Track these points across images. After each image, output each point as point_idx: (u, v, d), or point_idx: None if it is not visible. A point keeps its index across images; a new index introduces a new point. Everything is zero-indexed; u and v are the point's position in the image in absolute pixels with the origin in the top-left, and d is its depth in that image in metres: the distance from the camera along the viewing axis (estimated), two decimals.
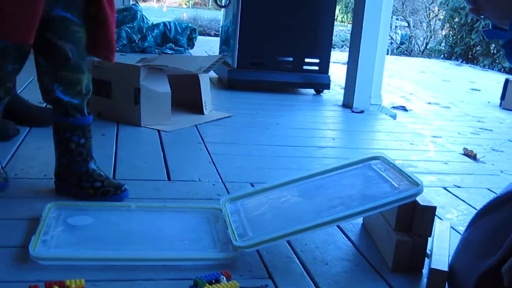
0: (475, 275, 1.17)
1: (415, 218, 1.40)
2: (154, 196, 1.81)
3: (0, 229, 1.47)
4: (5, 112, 2.41)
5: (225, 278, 1.22)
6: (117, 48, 5.55)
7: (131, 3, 7.59)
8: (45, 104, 2.88)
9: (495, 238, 1.17)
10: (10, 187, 1.78)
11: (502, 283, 1.09)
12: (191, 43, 6.10)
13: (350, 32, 3.87)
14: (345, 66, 3.78)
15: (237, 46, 3.93)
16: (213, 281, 1.21)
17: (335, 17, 4.48)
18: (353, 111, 3.54)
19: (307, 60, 4.04)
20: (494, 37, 1.29)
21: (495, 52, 9.96)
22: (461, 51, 10.60)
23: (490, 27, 1.29)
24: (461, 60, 10.37)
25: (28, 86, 3.41)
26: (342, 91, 3.87)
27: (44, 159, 2.09)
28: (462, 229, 1.68)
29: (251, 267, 1.38)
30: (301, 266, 1.41)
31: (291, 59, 4.02)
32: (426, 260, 1.43)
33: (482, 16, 1.25)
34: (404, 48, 11.67)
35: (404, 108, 4.92)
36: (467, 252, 1.26)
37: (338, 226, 1.66)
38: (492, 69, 9.59)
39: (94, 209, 1.61)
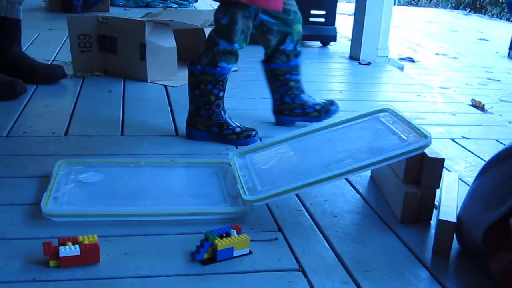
0: (483, 226, 1.18)
1: (424, 170, 1.41)
2: (163, 152, 1.81)
3: (11, 187, 1.49)
4: (12, 71, 2.42)
5: (235, 232, 1.24)
6: (121, 3, 5.51)
7: None
8: (50, 61, 2.88)
9: (503, 189, 1.18)
10: (20, 145, 1.80)
11: (510, 233, 1.10)
12: None
13: None
14: (352, 18, 3.74)
15: None
16: (224, 234, 1.23)
17: None
18: (360, 63, 3.51)
19: (313, 12, 3.99)
20: None
21: (503, 1, 9.81)
22: (469, 0, 10.45)
23: None
24: (469, 10, 10.23)
25: (33, 42, 3.40)
26: (349, 43, 3.84)
27: (52, 116, 2.10)
28: (470, 180, 1.69)
29: (261, 221, 1.39)
30: (310, 219, 1.42)
31: None
32: (434, 211, 1.44)
33: None
34: None
35: (411, 59, 4.88)
36: (475, 203, 1.27)
37: (346, 179, 1.67)
38: (501, 19, 9.46)
39: (104, 166, 1.62)
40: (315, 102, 2.16)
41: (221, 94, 1.95)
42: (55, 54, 3.13)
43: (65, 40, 3.39)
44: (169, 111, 2.25)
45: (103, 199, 1.43)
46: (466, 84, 4.00)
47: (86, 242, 1.15)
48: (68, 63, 2.80)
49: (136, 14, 4.00)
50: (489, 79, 4.20)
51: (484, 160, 1.35)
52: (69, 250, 1.13)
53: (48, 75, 2.53)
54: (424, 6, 11.00)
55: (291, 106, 2.14)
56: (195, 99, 1.94)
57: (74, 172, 1.55)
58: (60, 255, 1.12)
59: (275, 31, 2.08)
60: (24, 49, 2.70)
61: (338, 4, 4.15)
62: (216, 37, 1.90)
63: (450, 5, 10.94)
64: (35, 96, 2.33)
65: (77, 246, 1.14)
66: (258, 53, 3.61)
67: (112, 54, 2.73)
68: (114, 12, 5.00)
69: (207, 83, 1.91)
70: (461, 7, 10.55)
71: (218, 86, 1.92)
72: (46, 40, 3.51)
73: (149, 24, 2.63)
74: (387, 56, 3.67)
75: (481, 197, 1.26)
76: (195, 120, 1.95)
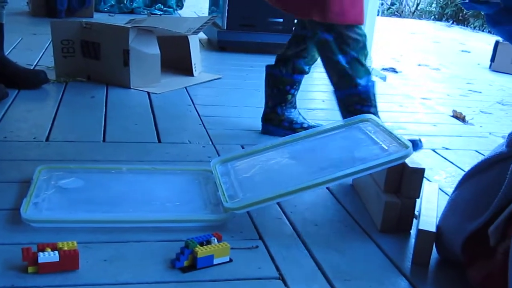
0: (462, 236, 1.19)
1: (404, 180, 1.42)
2: (145, 159, 1.81)
3: None
4: None
5: (216, 239, 1.24)
6: (105, 9, 5.50)
7: None
8: (33, 66, 2.86)
9: (482, 200, 1.19)
10: (0, 149, 1.78)
11: (489, 243, 1.11)
12: (180, 4, 6.03)
13: None
14: None
15: (227, 7, 3.89)
16: (204, 242, 1.23)
17: None
18: None
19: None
20: (472, 9, 1.30)
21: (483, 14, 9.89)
22: (451, 12, 10.54)
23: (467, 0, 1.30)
24: (451, 21, 10.32)
25: (16, 47, 3.38)
26: None
27: (34, 121, 2.08)
28: (450, 190, 1.70)
29: (242, 228, 1.39)
30: (291, 227, 1.43)
31: (281, 20, 3.99)
32: (414, 221, 1.45)
33: None
34: (394, 9, 11.58)
35: (394, 70, 4.91)
36: (455, 213, 1.28)
37: (327, 188, 1.67)
38: (483, 31, 9.56)
39: (85, 172, 1.61)
40: (304, 121, 2.17)
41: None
42: (38, 59, 3.12)
43: (48, 45, 3.37)
44: (152, 117, 2.25)
45: (84, 205, 1.42)
46: (448, 95, 4.03)
47: (66, 248, 1.15)
48: (51, 68, 2.79)
49: (120, 20, 4.00)
50: (470, 90, 4.23)
51: (464, 171, 1.37)
52: (48, 256, 1.12)
53: (31, 80, 2.51)
54: (407, 17, 11.08)
55: (280, 118, 2.15)
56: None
57: (54, 178, 1.54)
58: (39, 261, 1.12)
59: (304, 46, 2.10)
60: (6, 54, 2.68)
61: None
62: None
63: (433, 17, 11.03)
64: (17, 101, 2.32)
65: (56, 252, 1.13)
66: (241, 61, 3.63)
67: (95, 60, 2.72)
68: (98, 17, 4.99)
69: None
70: (443, 19, 10.64)
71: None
72: (29, 45, 3.49)
73: (133, 30, 2.62)
74: (370, 66, 3.69)
75: (460, 207, 1.27)
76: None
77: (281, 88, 2.12)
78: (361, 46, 1.87)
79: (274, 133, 2.15)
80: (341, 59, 1.86)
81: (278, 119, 2.14)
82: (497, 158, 1.23)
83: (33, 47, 3.40)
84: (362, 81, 1.88)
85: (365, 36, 1.90)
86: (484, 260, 1.13)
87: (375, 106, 1.93)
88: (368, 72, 1.90)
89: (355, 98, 1.90)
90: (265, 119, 2.18)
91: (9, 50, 3.15)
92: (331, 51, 1.87)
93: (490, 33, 9.20)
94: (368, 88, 1.89)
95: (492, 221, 1.12)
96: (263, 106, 2.18)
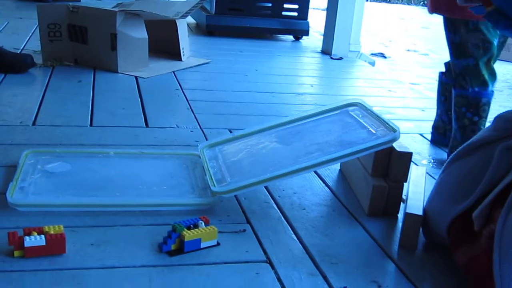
0: (448, 219, 1.20)
1: (392, 164, 1.42)
2: (132, 143, 1.80)
3: None
4: None
5: (203, 223, 1.24)
6: None
7: None
8: (19, 50, 2.84)
9: (467, 184, 1.19)
10: None
11: (473, 227, 1.12)
12: None
13: None
14: (325, 12, 3.75)
15: None
16: (192, 226, 1.22)
17: None
18: (332, 58, 3.53)
19: (286, 5, 3.99)
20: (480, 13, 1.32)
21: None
22: None
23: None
24: None
25: (2, 31, 3.35)
26: (321, 37, 3.85)
27: (20, 106, 2.07)
28: (437, 175, 1.71)
29: (229, 212, 1.39)
30: (278, 211, 1.43)
31: (270, 4, 3.97)
32: (402, 205, 1.45)
33: None
34: None
35: (383, 55, 4.91)
36: (440, 197, 1.29)
37: (315, 172, 1.67)
38: None
39: (72, 156, 1.60)
40: None
41: (475, 119, 1.84)
42: (25, 43, 3.09)
43: (35, 29, 3.34)
44: (139, 102, 2.24)
45: (70, 189, 1.42)
46: (436, 80, 4.04)
47: (52, 232, 1.14)
48: (38, 52, 2.76)
49: (107, 4, 3.96)
50: None
51: None
52: (35, 240, 1.12)
53: (17, 64, 2.49)
54: (396, 3, 11.07)
55: (446, 127, 2.06)
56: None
57: (41, 162, 1.53)
58: (25, 245, 1.11)
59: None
60: None
61: None
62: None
63: (422, 2, 11.03)
64: (3, 85, 2.30)
65: (42, 236, 1.12)
66: (230, 45, 3.62)
67: (82, 44, 2.70)
68: (86, 1, 4.94)
69: (460, 105, 1.86)
70: None
71: (471, 110, 1.84)
72: (16, 29, 3.46)
73: (120, 14, 2.60)
74: (359, 51, 3.69)
75: (446, 191, 1.28)
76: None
77: (447, 96, 2.03)
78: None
79: (440, 142, 2.06)
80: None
81: (443, 128, 2.05)
82: (482, 142, 1.24)
83: (20, 31, 3.37)
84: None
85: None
86: (470, 243, 1.14)
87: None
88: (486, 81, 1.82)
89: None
90: (434, 127, 2.10)
91: None
92: None
93: None
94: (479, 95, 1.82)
95: (476, 205, 1.12)
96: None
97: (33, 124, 1.90)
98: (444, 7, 1.83)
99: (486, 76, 1.80)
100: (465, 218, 1.16)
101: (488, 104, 1.82)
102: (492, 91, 1.82)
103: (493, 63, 1.83)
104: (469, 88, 1.81)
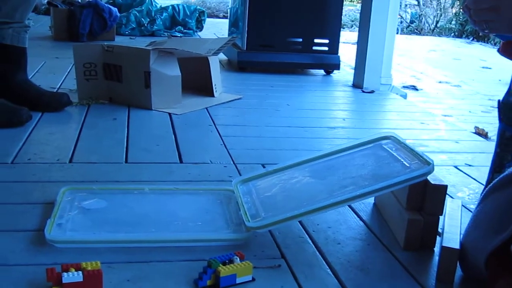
0: (485, 252, 1.18)
1: (427, 197, 1.41)
2: (167, 179, 1.82)
3: (15, 214, 1.49)
4: (17, 98, 2.44)
5: (238, 259, 1.24)
6: (126, 32, 5.56)
7: None
8: (56, 89, 2.90)
9: (504, 215, 1.18)
10: (25, 172, 1.80)
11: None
12: (200, 26, 6.09)
13: (359, 11, 3.85)
14: (355, 46, 3.76)
15: (246, 27, 3.92)
16: (227, 261, 1.23)
17: None
18: (363, 91, 3.53)
19: (316, 40, 4.02)
20: (509, 39, 1.31)
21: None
22: (471, 29, 10.50)
23: None
24: (472, 38, 10.28)
25: (39, 70, 3.43)
26: (352, 71, 3.86)
27: (57, 143, 2.11)
28: (473, 207, 1.69)
29: (264, 247, 1.39)
30: (313, 246, 1.42)
31: (300, 40, 4.01)
32: (438, 238, 1.44)
33: (487, 31, 1.25)
34: (414, 27, 11.57)
35: (414, 88, 4.90)
36: (477, 230, 1.27)
37: (349, 206, 1.67)
38: None
39: (108, 193, 1.62)
40: None
41: None
42: (61, 82, 3.16)
43: (70, 68, 3.42)
44: (173, 138, 2.26)
45: (107, 225, 1.43)
46: (469, 111, 4.01)
47: (89, 268, 1.15)
48: (74, 91, 2.82)
49: (141, 42, 4.04)
50: (492, 106, 4.20)
51: None
52: (72, 277, 1.13)
53: (54, 102, 2.55)
54: (427, 35, 11.06)
55: None
56: None
57: (78, 199, 1.56)
58: (63, 281, 1.12)
59: None
60: (30, 77, 2.72)
61: (342, 33, 4.18)
62: None
63: (453, 34, 11.01)
64: (40, 124, 2.35)
65: (80, 272, 1.14)
66: (261, 81, 3.65)
67: (117, 82, 2.75)
68: (120, 40, 5.05)
69: None
70: (464, 36, 10.61)
71: None
72: (52, 68, 3.54)
73: (154, 52, 2.65)
74: (390, 84, 3.69)
75: (483, 223, 1.26)
76: None
77: None
78: None
79: None
80: None
81: None
82: None
83: (56, 71, 3.45)
84: None
85: None
86: (509, 276, 1.12)
87: None
88: None
89: None
90: None
91: (32, 74, 3.20)
92: None
93: None
94: None
95: None
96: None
97: (70, 161, 1.93)
98: None
99: None
100: (503, 250, 1.14)
101: None
102: None
103: None
104: None
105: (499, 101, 1.68)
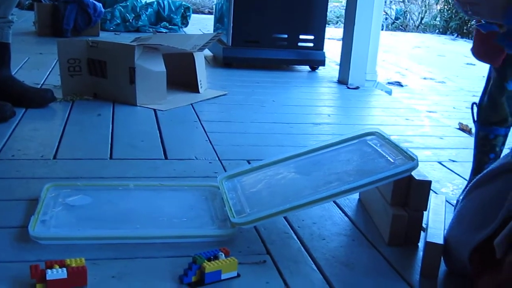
0: (469, 247, 1.19)
1: (411, 193, 1.42)
2: (152, 175, 1.81)
3: None
4: (1, 94, 2.42)
5: (223, 255, 1.24)
6: (111, 28, 5.54)
7: None
8: (40, 85, 2.88)
9: (488, 211, 1.19)
10: (8, 168, 1.79)
11: (495, 255, 1.11)
12: (185, 22, 6.08)
13: (344, 8, 3.86)
14: (340, 42, 3.77)
15: (232, 24, 3.91)
16: (212, 257, 1.23)
17: None
18: (348, 87, 3.54)
19: (301, 37, 4.03)
20: (489, 29, 1.32)
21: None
22: (456, 26, 10.56)
23: (483, 22, 1.32)
24: (456, 35, 10.33)
25: (23, 66, 3.40)
26: (337, 67, 3.87)
27: (41, 140, 2.09)
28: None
29: (249, 243, 1.39)
30: (298, 242, 1.42)
31: (285, 36, 4.01)
32: (422, 233, 1.45)
33: (470, 12, 1.27)
34: (399, 23, 11.61)
35: (399, 84, 4.92)
36: (461, 225, 1.28)
37: (334, 202, 1.67)
38: None
39: (93, 189, 1.62)
40: None
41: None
42: (45, 78, 3.14)
43: (54, 64, 3.40)
44: (158, 134, 2.26)
45: (91, 222, 1.43)
46: (454, 108, 4.03)
47: (74, 265, 1.15)
48: (58, 87, 2.80)
49: (126, 38, 4.03)
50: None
51: None
52: (56, 273, 1.12)
53: (37, 98, 2.53)
54: (412, 32, 11.10)
55: None
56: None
57: (62, 195, 1.55)
58: (47, 278, 1.12)
59: None
60: (13, 73, 2.70)
61: (327, 29, 4.19)
62: None
63: (437, 30, 11.05)
64: (24, 120, 2.33)
65: (64, 269, 1.13)
66: (247, 77, 3.65)
67: (101, 78, 2.73)
68: (104, 36, 5.03)
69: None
70: (448, 32, 10.66)
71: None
72: (36, 64, 3.51)
73: (139, 48, 2.64)
74: (375, 81, 3.70)
75: (466, 219, 1.27)
76: None
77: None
78: None
79: None
80: None
81: None
82: (502, 169, 1.23)
83: (40, 66, 3.42)
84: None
85: None
86: (492, 271, 1.13)
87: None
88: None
89: None
90: None
91: (16, 70, 3.18)
92: None
93: None
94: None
95: (498, 233, 1.11)
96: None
97: (54, 157, 1.92)
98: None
99: None
100: (487, 246, 1.15)
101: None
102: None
103: None
104: None
105: (473, 103, 1.70)
